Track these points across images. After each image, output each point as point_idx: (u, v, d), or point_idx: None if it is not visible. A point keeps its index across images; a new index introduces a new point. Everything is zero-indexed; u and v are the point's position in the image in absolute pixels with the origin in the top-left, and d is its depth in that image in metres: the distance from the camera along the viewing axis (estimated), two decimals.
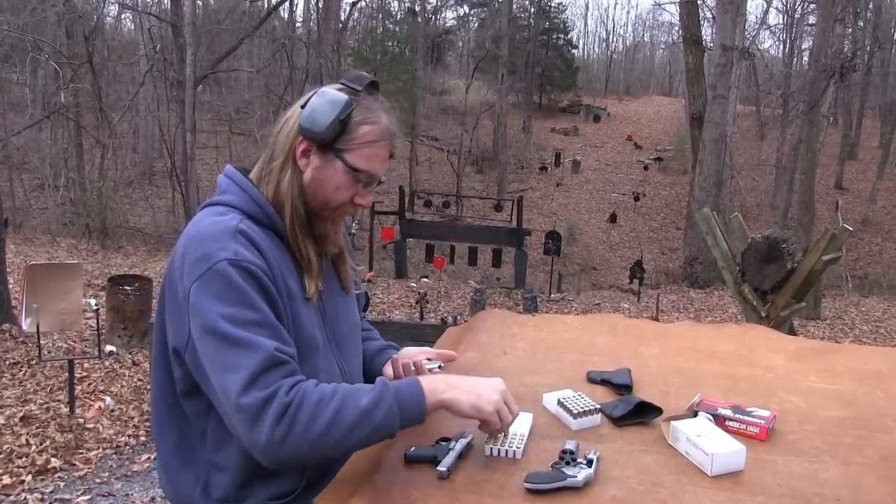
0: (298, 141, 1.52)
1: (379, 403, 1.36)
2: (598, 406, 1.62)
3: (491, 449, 1.46)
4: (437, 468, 1.38)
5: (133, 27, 27.63)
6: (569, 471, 1.36)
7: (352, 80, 1.54)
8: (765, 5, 50.52)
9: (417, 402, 1.41)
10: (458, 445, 1.45)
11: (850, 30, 22.00)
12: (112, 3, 23.14)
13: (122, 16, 27.65)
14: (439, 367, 1.79)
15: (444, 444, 1.47)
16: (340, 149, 1.51)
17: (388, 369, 1.81)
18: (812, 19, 27.65)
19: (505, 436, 1.48)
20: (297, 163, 1.53)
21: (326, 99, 1.49)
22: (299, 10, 34.77)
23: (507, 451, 1.45)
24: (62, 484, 4.26)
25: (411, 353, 1.83)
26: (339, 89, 1.52)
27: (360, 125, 1.51)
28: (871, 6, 26.61)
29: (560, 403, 1.62)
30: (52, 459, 4.48)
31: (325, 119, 1.47)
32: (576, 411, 1.58)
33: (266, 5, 23.97)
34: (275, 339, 1.36)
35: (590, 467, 1.37)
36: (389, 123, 1.56)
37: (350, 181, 1.53)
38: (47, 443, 4.68)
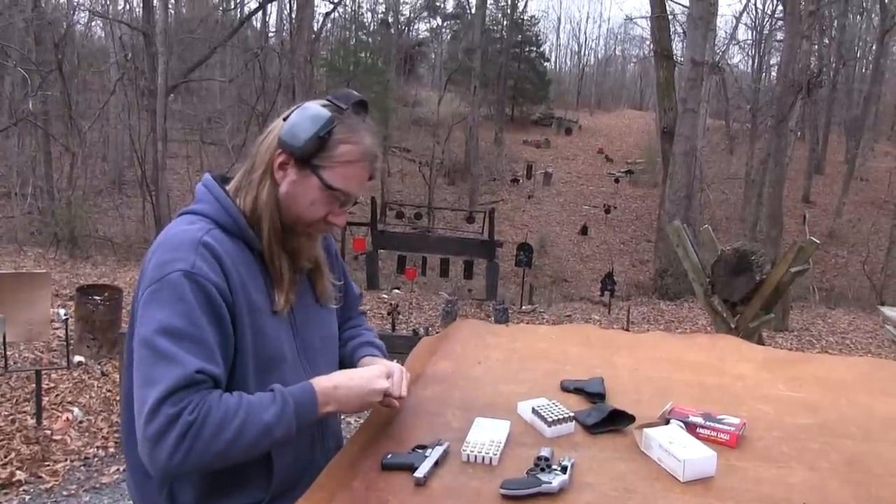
0: (277, 153, 1.52)
1: (280, 419, 1.41)
2: (571, 414, 1.64)
3: (468, 456, 1.47)
4: (414, 475, 1.39)
5: (104, 35, 27.34)
6: (544, 477, 1.38)
7: (338, 98, 1.55)
8: (734, 21, 51.32)
9: (312, 413, 1.47)
10: (435, 453, 1.46)
11: (816, 46, 22.42)
12: (83, 11, 22.91)
13: (93, 23, 27.35)
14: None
15: (420, 451, 1.48)
16: (317, 165, 1.50)
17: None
18: (780, 35, 28.09)
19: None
20: (274, 175, 1.53)
21: (308, 114, 1.50)
22: (272, 21, 34.82)
23: (483, 458, 1.47)
24: (27, 497, 4.20)
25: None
26: (324, 105, 1.52)
27: (339, 143, 1.50)
28: (835, 24, 27.12)
29: (535, 412, 1.64)
30: (18, 472, 4.41)
31: (304, 134, 1.48)
32: (550, 419, 1.60)
33: (239, 15, 23.92)
34: (202, 359, 1.37)
35: (564, 474, 1.39)
36: (371, 145, 1.55)
37: (325, 198, 1.53)
38: (12, 455, 4.61)
